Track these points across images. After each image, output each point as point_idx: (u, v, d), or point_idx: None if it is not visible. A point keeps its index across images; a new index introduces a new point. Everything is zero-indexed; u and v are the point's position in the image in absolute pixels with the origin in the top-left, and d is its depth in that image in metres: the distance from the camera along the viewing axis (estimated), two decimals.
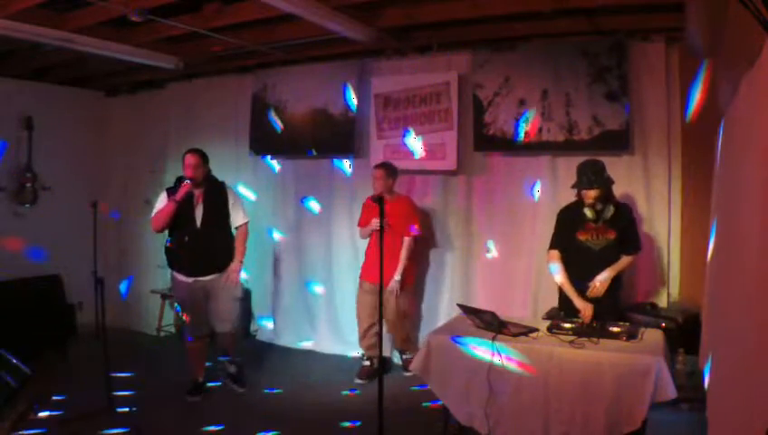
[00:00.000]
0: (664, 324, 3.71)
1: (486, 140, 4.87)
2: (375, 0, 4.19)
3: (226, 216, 4.46)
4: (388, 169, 4.85)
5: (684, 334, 3.68)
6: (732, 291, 2.22)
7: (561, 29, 4.43)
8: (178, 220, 4.29)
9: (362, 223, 4.98)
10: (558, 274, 3.80)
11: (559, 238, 3.86)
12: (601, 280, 3.67)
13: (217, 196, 4.45)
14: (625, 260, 3.76)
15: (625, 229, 3.73)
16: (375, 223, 4.60)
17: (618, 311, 3.83)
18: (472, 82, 4.91)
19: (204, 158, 4.39)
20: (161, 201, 4.34)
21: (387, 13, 4.39)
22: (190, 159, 4.32)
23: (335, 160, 5.64)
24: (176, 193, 4.26)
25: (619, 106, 4.37)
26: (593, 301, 3.68)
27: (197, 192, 4.35)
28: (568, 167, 4.62)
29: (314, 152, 5.57)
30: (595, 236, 3.72)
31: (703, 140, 3.84)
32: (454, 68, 5.05)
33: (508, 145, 4.80)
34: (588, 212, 3.68)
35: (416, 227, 4.83)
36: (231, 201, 4.49)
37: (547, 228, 4.74)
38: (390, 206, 4.52)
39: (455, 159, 5.01)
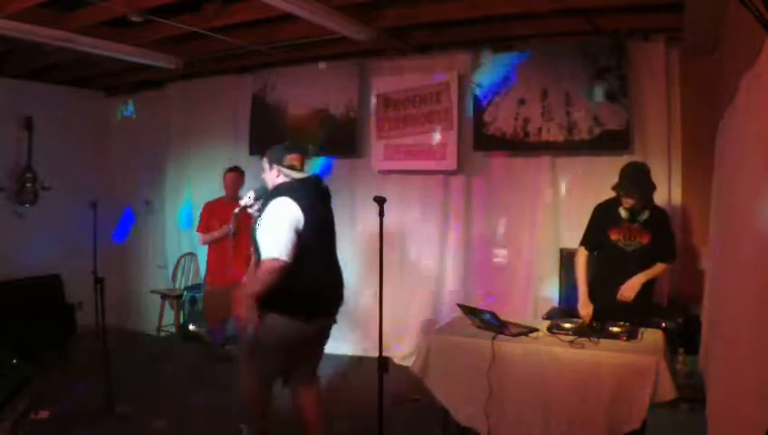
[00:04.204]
0: (664, 324, 3.70)
1: (486, 140, 4.87)
2: (375, 0, 4.19)
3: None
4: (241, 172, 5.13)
5: (684, 334, 3.67)
6: (731, 290, 2.21)
7: (560, 29, 4.43)
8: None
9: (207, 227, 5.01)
10: (579, 271, 3.69)
11: (591, 235, 3.72)
12: (630, 286, 3.52)
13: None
14: (659, 267, 3.59)
15: (660, 235, 3.57)
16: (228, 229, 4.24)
17: (647, 315, 3.61)
18: (472, 81, 4.90)
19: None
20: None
21: (387, 13, 4.39)
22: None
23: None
24: None
25: (619, 106, 4.37)
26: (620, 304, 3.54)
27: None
28: (568, 167, 4.64)
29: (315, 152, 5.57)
30: (627, 237, 3.58)
31: (703, 140, 3.84)
32: (454, 68, 5.05)
33: (508, 145, 4.81)
34: (622, 212, 3.58)
35: None
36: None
37: (548, 228, 4.76)
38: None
39: (455, 158, 5.02)
